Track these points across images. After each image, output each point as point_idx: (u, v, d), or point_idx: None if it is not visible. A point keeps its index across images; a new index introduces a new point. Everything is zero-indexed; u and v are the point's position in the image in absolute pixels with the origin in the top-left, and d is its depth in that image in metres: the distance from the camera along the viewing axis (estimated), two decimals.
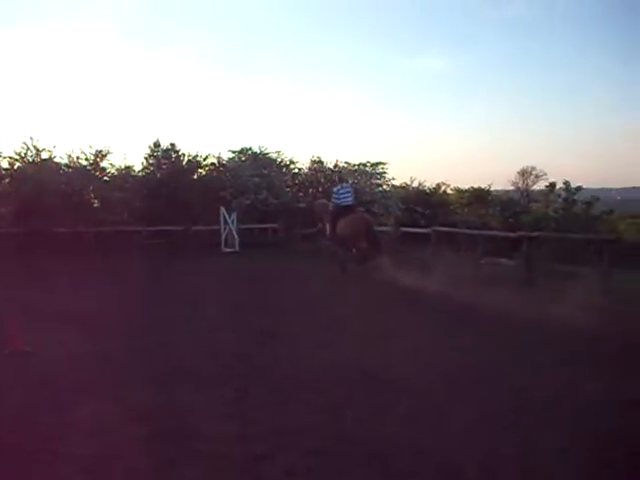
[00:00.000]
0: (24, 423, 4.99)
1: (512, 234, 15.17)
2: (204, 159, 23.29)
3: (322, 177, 24.63)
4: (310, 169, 24.74)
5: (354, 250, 14.47)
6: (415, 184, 27.47)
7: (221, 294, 12.06)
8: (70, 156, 21.91)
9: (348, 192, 15.28)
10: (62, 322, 8.93)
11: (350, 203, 15.09)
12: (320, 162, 24.76)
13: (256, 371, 6.49)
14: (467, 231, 17.57)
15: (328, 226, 15.32)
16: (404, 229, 19.46)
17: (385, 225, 23.45)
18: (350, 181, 24.27)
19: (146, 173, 22.81)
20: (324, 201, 16.94)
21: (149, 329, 8.64)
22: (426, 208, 26.10)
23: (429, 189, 27.70)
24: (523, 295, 10.62)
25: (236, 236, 21.16)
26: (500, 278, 12.99)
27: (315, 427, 4.84)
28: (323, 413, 5.17)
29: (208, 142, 48.86)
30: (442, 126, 44.51)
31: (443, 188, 28.02)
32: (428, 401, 5.46)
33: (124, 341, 7.80)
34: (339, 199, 15.01)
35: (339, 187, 15.53)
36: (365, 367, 6.46)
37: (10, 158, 21.47)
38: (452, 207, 27.72)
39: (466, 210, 27.61)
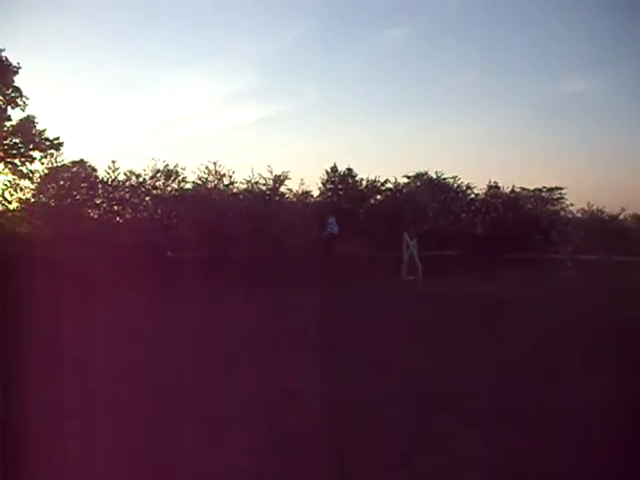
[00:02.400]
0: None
1: None
2: (381, 184, 22.74)
3: (499, 203, 23.52)
4: (487, 195, 23.66)
5: None
6: (594, 210, 25.75)
7: (432, 323, 10.75)
8: (249, 181, 21.92)
9: (334, 224, 20.21)
10: (299, 351, 8.12)
11: (337, 232, 20.24)
12: (496, 187, 23.66)
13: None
14: None
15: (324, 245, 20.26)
16: (615, 257, 18.04)
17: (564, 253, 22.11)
18: (528, 206, 23.24)
19: (323, 198, 22.49)
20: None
21: (403, 365, 7.41)
22: (605, 235, 24.47)
23: (607, 215, 26.00)
24: None
25: (419, 264, 20.34)
26: None
27: None
28: None
29: (382, 167, 48.66)
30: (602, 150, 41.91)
31: (623, 214, 26.20)
32: None
33: (390, 379, 6.62)
34: (332, 229, 20.15)
35: (331, 220, 20.18)
36: None
37: (194, 183, 21.78)
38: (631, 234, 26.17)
39: None
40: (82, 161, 23.29)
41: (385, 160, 40.39)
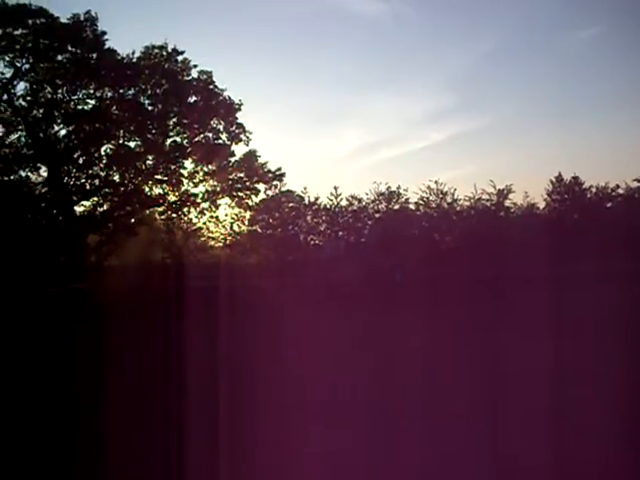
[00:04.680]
0: None
1: None
2: (611, 191, 21.53)
3: None
4: None
5: None
6: None
7: None
8: (471, 198, 21.64)
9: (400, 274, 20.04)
10: None
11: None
12: None
13: None
14: None
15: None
16: None
17: None
18: None
19: (549, 210, 21.70)
20: None
21: None
22: None
23: None
24: None
25: None
26: None
27: None
28: None
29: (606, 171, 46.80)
30: None
31: None
32: None
33: None
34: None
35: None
36: None
37: (416, 204, 21.89)
38: None
39: None
40: (289, 191, 24.21)
41: (602, 165, 38.44)
